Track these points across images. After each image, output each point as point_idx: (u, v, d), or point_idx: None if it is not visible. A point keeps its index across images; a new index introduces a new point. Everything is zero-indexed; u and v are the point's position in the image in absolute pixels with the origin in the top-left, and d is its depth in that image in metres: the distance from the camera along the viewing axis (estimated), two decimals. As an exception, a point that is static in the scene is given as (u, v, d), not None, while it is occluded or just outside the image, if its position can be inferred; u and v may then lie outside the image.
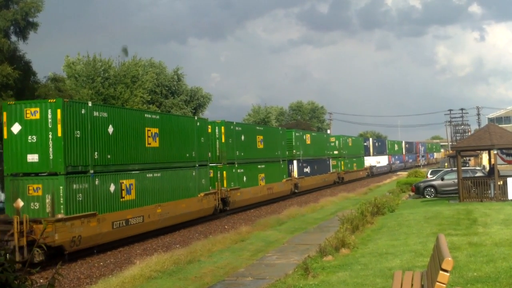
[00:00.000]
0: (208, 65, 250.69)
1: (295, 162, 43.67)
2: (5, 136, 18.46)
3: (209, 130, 29.69)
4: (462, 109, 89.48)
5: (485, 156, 51.00)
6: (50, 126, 17.82)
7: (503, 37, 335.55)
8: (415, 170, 57.01)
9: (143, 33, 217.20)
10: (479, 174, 31.84)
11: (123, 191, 20.78)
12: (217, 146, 30.72)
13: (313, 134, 51.61)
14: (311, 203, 34.02)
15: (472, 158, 56.29)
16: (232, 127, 32.21)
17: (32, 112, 18.02)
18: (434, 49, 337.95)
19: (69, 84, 45.17)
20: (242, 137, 33.32)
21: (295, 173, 43.56)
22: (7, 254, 4.07)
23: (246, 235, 20.91)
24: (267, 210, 32.63)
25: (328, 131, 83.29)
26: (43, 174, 18.13)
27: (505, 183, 25.87)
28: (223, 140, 30.91)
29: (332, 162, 54.68)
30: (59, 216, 17.36)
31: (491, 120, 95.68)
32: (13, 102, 19.54)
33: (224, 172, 30.62)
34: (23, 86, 33.13)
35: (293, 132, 44.72)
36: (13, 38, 35.37)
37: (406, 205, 28.00)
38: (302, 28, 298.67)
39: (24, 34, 35.07)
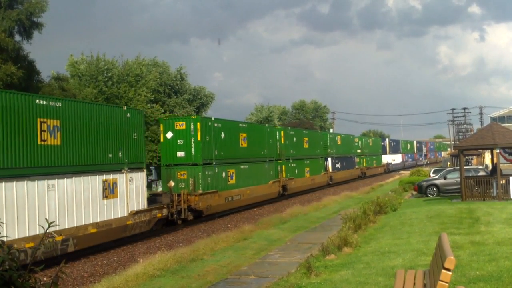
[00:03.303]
0: (210, 64, 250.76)
1: (329, 159, 52.59)
2: (161, 140, 28.15)
3: (271, 134, 39.16)
4: (464, 109, 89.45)
5: (487, 155, 50.90)
6: (192, 134, 27.11)
7: (504, 37, 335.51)
8: (418, 169, 57.00)
9: (146, 33, 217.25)
10: (481, 173, 31.78)
11: (229, 177, 30.06)
12: (277, 146, 38.94)
13: (342, 135, 59.72)
14: (314, 202, 34.01)
15: (474, 157, 56.17)
16: (288, 131, 41.61)
17: (180, 124, 27.37)
18: (435, 49, 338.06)
19: (73, 83, 45.23)
20: (294, 139, 42.43)
21: (330, 168, 52.55)
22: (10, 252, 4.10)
23: (249, 234, 20.94)
24: (269, 209, 32.65)
25: (331, 130, 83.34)
26: (187, 165, 27.12)
27: (507, 182, 25.82)
28: (282, 142, 39.67)
29: (356, 160, 62.88)
30: (199, 191, 26.62)
31: (493, 119, 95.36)
32: (167, 118, 31.02)
33: (283, 166, 39.27)
34: (27, 85, 33.21)
35: (328, 135, 54.43)
36: (17, 37, 35.49)
37: (409, 204, 27.97)
38: (303, 29, 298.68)
39: (29, 34, 35.18)
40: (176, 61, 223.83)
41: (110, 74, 47.42)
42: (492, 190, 26.18)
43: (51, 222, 4.41)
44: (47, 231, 4.36)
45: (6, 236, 13.78)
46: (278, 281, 11.92)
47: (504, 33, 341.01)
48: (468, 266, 11.22)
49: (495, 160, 28.45)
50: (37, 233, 15.89)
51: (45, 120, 16.87)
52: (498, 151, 26.81)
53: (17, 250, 12.60)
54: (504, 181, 25.94)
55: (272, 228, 22.81)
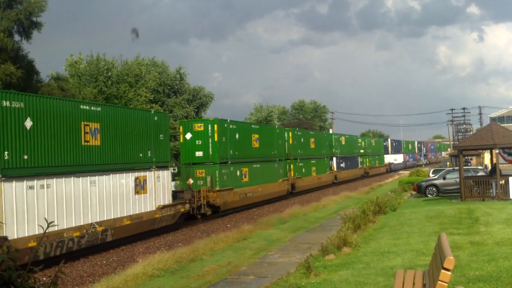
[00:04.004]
0: (209, 64, 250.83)
1: (334, 158, 54.78)
2: (181, 140, 30.12)
3: (279, 135, 41.24)
4: (464, 109, 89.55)
5: (487, 156, 50.91)
6: (210, 135, 29.03)
7: (503, 37, 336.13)
8: (417, 169, 57.00)
9: (145, 34, 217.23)
10: (481, 173, 31.77)
11: (243, 175, 32.11)
12: (286, 146, 40.73)
13: (346, 136, 61.73)
14: (313, 202, 34.00)
15: (474, 158, 56.16)
16: (295, 132, 43.49)
17: (198, 126, 29.37)
18: (434, 49, 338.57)
19: (73, 82, 45.18)
20: (302, 140, 44.40)
21: (335, 167, 54.80)
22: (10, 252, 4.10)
23: (248, 234, 20.92)
24: (269, 209, 32.64)
25: (330, 130, 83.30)
26: (205, 163, 29.03)
27: (507, 182, 25.83)
28: (290, 142, 41.49)
29: (359, 159, 65.02)
30: (217, 188, 28.60)
31: (493, 119, 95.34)
32: (186, 120, 33.65)
33: (292, 165, 41.23)
34: (26, 85, 33.17)
35: (333, 135, 56.91)
36: (17, 37, 35.46)
37: (408, 204, 27.97)
38: (302, 29, 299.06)
39: (28, 33, 35.15)
40: (176, 61, 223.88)
41: (109, 74, 47.38)
42: (491, 190, 26.18)
43: (50, 222, 4.41)
44: (46, 231, 4.37)
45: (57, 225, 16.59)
46: (277, 281, 11.93)
47: (503, 34, 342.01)
48: (467, 266, 11.22)
49: (494, 160, 28.45)
50: (82, 223, 18.27)
51: (87, 123, 18.98)
52: (497, 151, 26.80)
53: (67, 238, 15.37)
54: (503, 182, 25.94)
55: (271, 228, 22.80)
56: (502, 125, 33.14)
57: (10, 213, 15.35)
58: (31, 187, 16.20)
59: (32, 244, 15.68)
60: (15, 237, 15.26)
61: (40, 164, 16.54)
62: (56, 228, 16.75)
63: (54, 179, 17.11)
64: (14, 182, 15.59)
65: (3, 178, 15.25)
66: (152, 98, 49.82)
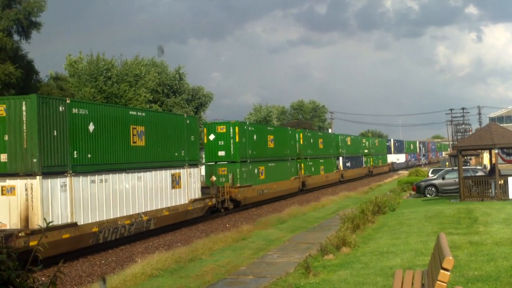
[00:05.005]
0: (208, 64, 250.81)
1: (340, 158, 57.56)
2: (205, 141, 32.67)
3: (291, 136, 43.97)
4: (463, 109, 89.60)
5: (486, 156, 50.89)
6: (231, 136, 31.83)
7: (501, 37, 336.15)
8: (416, 169, 57.05)
9: (144, 33, 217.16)
10: (480, 173, 31.76)
11: (260, 173, 34.78)
12: (297, 146, 43.43)
13: (351, 137, 64.57)
14: (312, 202, 34.00)
15: (473, 158, 56.16)
16: (305, 133, 46.46)
17: (221, 128, 32.07)
18: (433, 49, 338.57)
19: (72, 82, 45.13)
20: (311, 140, 47.25)
21: (341, 166, 57.62)
22: (8, 252, 4.10)
23: (247, 234, 20.91)
24: (268, 209, 32.64)
25: (330, 130, 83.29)
26: (227, 162, 31.75)
27: (506, 182, 25.82)
28: (301, 142, 44.34)
29: (364, 159, 67.71)
30: (238, 185, 31.33)
31: (492, 119, 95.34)
32: (210, 122, 34.52)
33: (302, 164, 43.84)
34: (25, 85, 33.16)
35: (339, 136, 59.37)
36: (16, 37, 35.44)
37: (407, 204, 27.97)
38: (300, 29, 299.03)
39: (27, 33, 35.14)
40: (175, 61, 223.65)
41: (109, 74, 47.32)
42: (490, 190, 26.18)
43: (49, 222, 4.42)
44: (47, 227, 4.38)
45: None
46: (276, 281, 11.93)
47: (501, 34, 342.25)
48: (466, 266, 11.22)
49: (493, 160, 28.45)
50: (131, 213, 20.92)
51: (135, 126, 21.65)
52: (496, 151, 26.80)
53: (120, 225, 18.18)
54: (502, 181, 25.93)
55: (270, 228, 22.79)
56: (501, 125, 33.13)
57: (78, 203, 18.05)
58: (93, 181, 18.98)
59: (95, 229, 18.59)
60: (82, 223, 17.95)
61: (100, 161, 19.34)
62: (112, 216, 19.70)
63: (110, 174, 19.87)
64: (80, 177, 18.36)
65: (73, 174, 17.93)
66: (151, 98, 49.76)
